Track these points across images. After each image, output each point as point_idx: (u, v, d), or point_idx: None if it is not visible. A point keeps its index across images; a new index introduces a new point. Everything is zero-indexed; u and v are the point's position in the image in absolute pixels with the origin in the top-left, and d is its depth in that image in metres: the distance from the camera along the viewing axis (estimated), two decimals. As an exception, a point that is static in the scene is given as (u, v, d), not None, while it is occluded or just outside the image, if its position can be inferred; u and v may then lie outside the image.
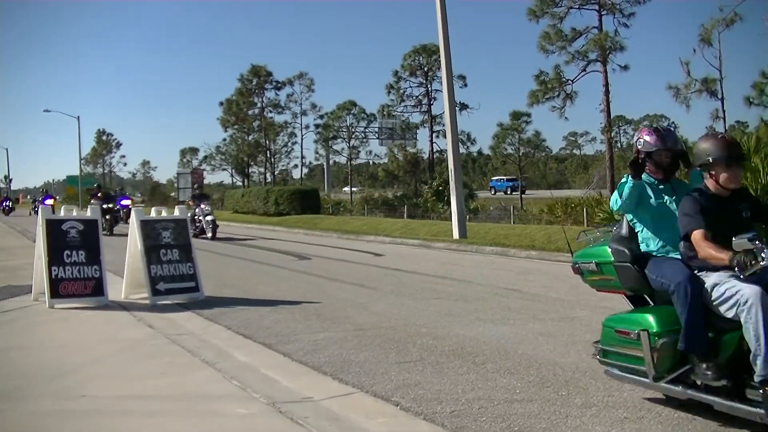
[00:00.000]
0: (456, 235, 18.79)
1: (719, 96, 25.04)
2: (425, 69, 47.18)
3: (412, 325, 7.38)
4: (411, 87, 47.91)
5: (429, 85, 47.43)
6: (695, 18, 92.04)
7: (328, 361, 5.84)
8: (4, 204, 51.69)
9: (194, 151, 74.32)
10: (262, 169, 57.31)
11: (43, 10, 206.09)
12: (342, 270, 12.94)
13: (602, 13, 29.07)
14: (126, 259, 9.23)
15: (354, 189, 59.08)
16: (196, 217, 21.19)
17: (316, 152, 61.90)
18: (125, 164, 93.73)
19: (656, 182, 4.57)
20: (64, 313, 8.06)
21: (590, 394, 4.75)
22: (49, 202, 31.70)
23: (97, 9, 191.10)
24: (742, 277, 3.75)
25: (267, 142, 55.01)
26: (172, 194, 71.70)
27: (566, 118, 30.95)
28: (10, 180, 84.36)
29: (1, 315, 8.08)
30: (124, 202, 28.80)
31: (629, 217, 4.67)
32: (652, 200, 4.52)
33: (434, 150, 47.51)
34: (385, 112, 50.31)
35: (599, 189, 35.48)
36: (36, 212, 38.32)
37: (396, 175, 50.42)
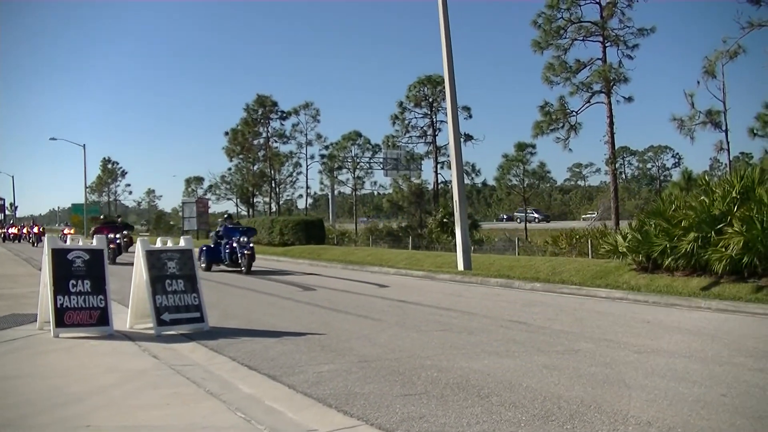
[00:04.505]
0: (461, 266, 18.77)
1: (723, 127, 25.17)
2: (430, 100, 47.56)
3: (417, 357, 7.36)
4: (416, 118, 48.33)
5: (434, 116, 47.81)
6: (699, 50, 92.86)
7: (333, 393, 5.83)
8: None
9: (199, 180, 74.92)
10: (267, 199, 57.64)
11: (50, 38, 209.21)
12: (347, 301, 12.92)
13: (606, 44, 29.36)
14: (131, 289, 9.26)
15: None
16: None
17: (321, 182, 62.25)
18: (130, 192, 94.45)
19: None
20: (69, 343, 8.07)
21: (595, 428, 4.73)
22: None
23: (103, 39, 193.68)
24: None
25: (272, 171, 55.35)
26: (172, 222, 71.56)
27: (570, 149, 31.07)
28: (16, 207, 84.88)
29: (6, 344, 8.10)
30: None
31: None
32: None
33: (439, 181, 47.74)
34: (389, 143, 50.60)
35: (604, 220, 35.36)
36: None
37: (400, 206, 50.53)
